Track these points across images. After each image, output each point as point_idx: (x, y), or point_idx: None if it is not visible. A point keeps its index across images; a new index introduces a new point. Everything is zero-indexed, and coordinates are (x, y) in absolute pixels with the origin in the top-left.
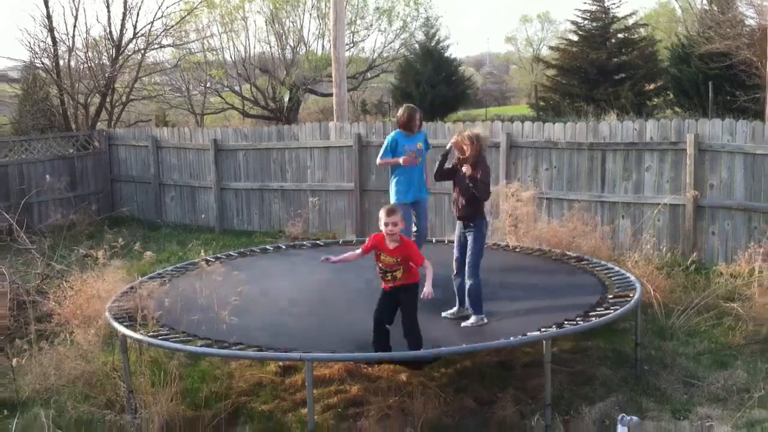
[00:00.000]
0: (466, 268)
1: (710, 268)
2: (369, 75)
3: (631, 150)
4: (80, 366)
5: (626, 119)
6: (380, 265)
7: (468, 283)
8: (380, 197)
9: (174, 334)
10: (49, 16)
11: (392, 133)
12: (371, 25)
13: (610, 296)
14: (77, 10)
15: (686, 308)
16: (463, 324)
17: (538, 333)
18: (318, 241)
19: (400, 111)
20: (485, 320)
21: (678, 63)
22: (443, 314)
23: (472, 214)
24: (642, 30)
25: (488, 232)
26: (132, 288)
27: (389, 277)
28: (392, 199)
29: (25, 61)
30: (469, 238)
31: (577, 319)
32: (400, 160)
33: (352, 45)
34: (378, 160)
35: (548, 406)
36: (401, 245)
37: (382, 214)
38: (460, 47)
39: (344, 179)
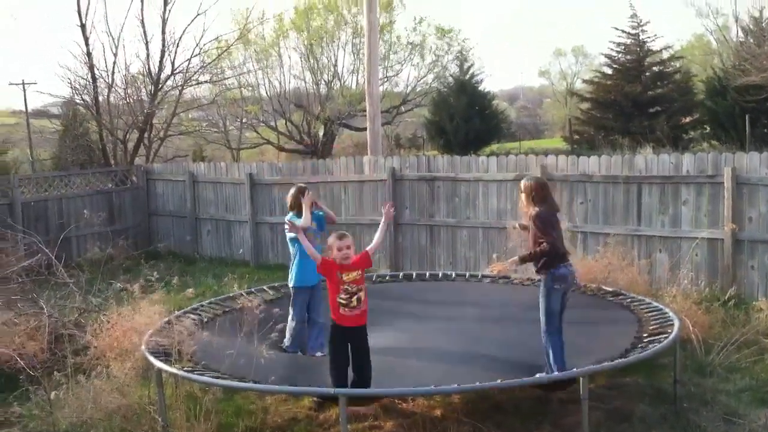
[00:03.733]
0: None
1: (750, 303)
2: (403, 109)
3: (667, 183)
4: (116, 399)
5: (662, 152)
6: (345, 287)
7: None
8: (414, 231)
9: (209, 369)
10: (89, 53)
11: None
12: (404, 60)
13: (648, 332)
14: (117, 47)
15: (726, 344)
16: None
17: (574, 369)
18: None
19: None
20: None
21: (714, 96)
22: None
23: (538, 266)
24: (677, 63)
25: (560, 285)
26: (168, 322)
27: (354, 302)
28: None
29: (65, 98)
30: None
31: (616, 355)
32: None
33: (385, 80)
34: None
35: None
36: (356, 258)
37: (332, 240)
38: (494, 81)
39: (378, 213)
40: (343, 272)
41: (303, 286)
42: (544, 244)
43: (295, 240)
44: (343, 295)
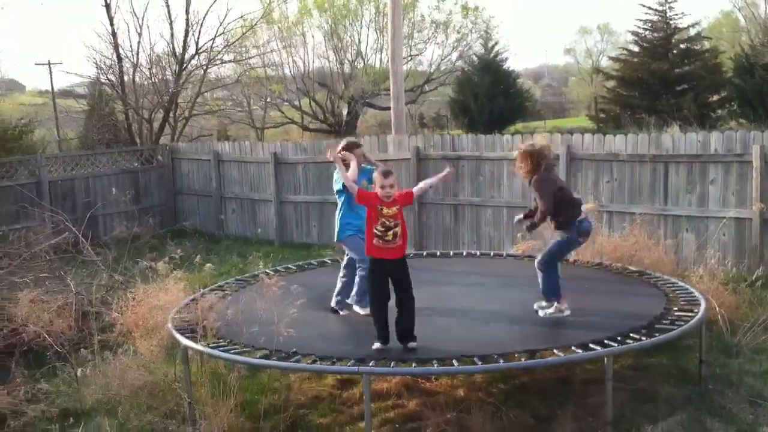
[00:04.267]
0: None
1: None
2: (426, 88)
3: (694, 162)
4: (142, 376)
5: (689, 131)
6: (382, 220)
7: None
8: (438, 210)
9: (234, 346)
10: (114, 33)
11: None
12: (428, 39)
13: (674, 311)
14: (141, 27)
15: (753, 325)
16: (540, 313)
17: (598, 349)
18: None
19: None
20: (563, 311)
21: (742, 73)
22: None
23: (560, 222)
24: (705, 42)
25: (583, 239)
26: (193, 300)
27: (390, 236)
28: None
29: (91, 78)
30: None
31: (640, 334)
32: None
33: (409, 58)
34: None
35: (609, 424)
36: (398, 194)
37: (377, 176)
38: (518, 59)
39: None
40: (382, 205)
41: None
42: (542, 208)
43: (341, 192)
44: (379, 227)
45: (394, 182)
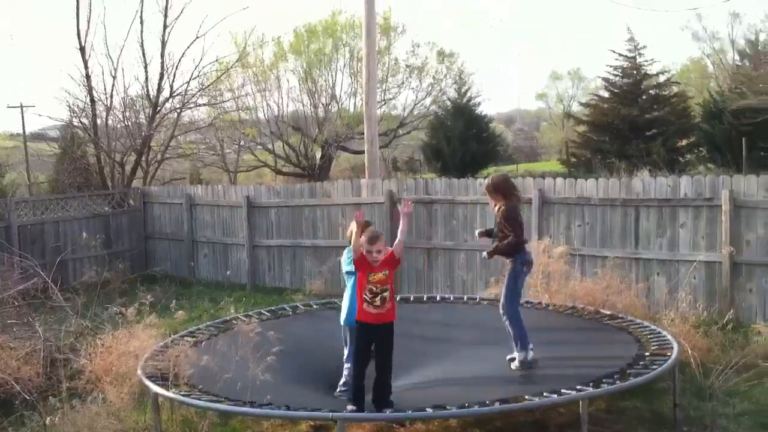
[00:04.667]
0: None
1: (748, 327)
2: (400, 132)
3: (665, 206)
4: (112, 425)
5: (659, 175)
6: (370, 287)
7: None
8: (411, 254)
9: (206, 394)
10: (88, 76)
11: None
12: (402, 83)
13: (647, 355)
14: (116, 70)
15: (725, 368)
16: (513, 366)
17: (573, 393)
18: None
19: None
20: (528, 356)
21: (710, 119)
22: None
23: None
24: (674, 87)
25: (527, 269)
26: (164, 346)
27: (378, 302)
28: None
29: (63, 121)
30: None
31: (614, 378)
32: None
33: (383, 102)
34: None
35: None
36: (383, 259)
37: (364, 239)
38: (491, 104)
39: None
40: (370, 272)
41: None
42: (512, 237)
43: (351, 273)
44: (368, 294)
45: (382, 248)
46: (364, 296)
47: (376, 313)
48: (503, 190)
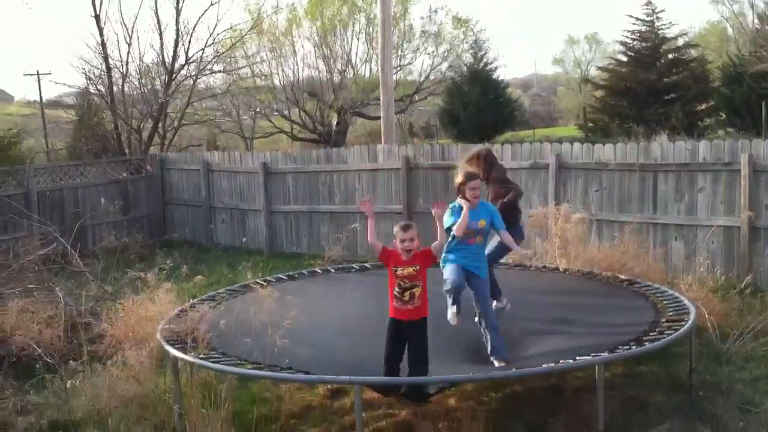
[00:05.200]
0: None
1: (766, 291)
2: (416, 98)
3: (683, 171)
4: (132, 388)
5: (678, 140)
6: (399, 282)
7: None
8: (428, 219)
9: (225, 357)
10: (103, 44)
11: (455, 203)
12: (418, 49)
13: (664, 320)
14: (131, 38)
15: (742, 333)
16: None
17: (590, 357)
18: (366, 264)
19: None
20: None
21: (729, 83)
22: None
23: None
24: (692, 51)
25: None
26: (183, 310)
27: (407, 297)
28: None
29: (80, 88)
30: None
31: (631, 343)
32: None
33: (399, 68)
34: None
35: None
36: (417, 253)
37: (397, 230)
38: (508, 69)
39: (392, 201)
40: (397, 266)
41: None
42: (513, 191)
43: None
44: (396, 289)
45: (415, 236)
46: (395, 292)
47: (404, 309)
48: (491, 159)
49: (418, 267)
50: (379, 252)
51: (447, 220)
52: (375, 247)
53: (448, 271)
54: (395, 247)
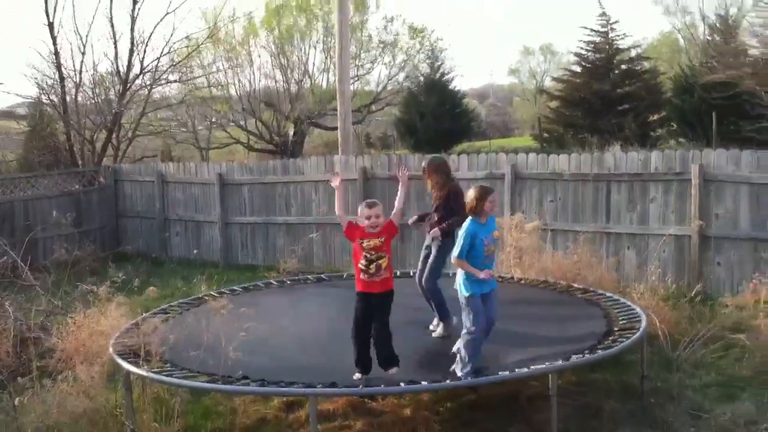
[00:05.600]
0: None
1: (716, 299)
2: (373, 108)
3: (636, 181)
4: (83, 403)
5: (630, 150)
6: (365, 254)
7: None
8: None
9: (177, 370)
10: (56, 53)
11: (468, 224)
12: (375, 59)
13: (616, 328)
14: (85, 47)
15: (692, 340)
16: (435, 334)
17: (544, 366)
18: (322, 275)
19: (471, 192)
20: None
21: (681, 93)
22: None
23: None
24: (645, 62)
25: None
26: (136, 324)
27: (373, 269)
28: (462, 291)
29: (32, 98)
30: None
31: (584, 351)
32: (481, 274)
33: (356, 78)
34: (454, 258)
35: None
36: (383, 226)
37: (362, 208)
38: (464, 79)
39: (349, 213)
40: (363, 239)
41: (478, 294)
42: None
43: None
44: (363, 261)
45: (380, 212)
46: (360, 265)
47: (370, 282)
48: (446, 170)
49: (383, 238)
50: (345, 225)
51: (462, 245)
52: (342, 219)
53: (478, 314)
54: (353, 222)
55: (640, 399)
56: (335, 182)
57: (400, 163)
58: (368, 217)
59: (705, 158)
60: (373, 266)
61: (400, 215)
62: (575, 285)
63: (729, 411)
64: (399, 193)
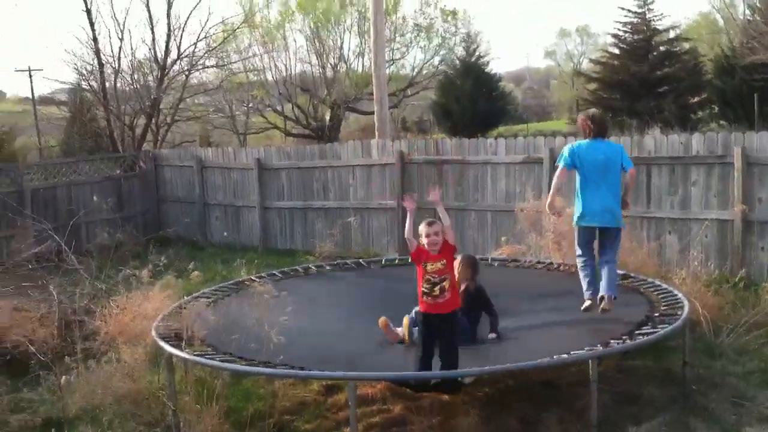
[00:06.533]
0: None
1: (760, 285)
2: (409, 92)
3: (676, 164)
4: (126, 384)
5: (670, 133)
6: (428, 278)
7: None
8: (422, 214)
9: (219, 354)
10: (95, 39)
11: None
12: (411, 42)
13: (658, 314)
14: (122, 32)
15: (735, 326)
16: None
17: (584, 352)
18: (360, 260)
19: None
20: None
21: (722, 75)
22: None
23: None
24: (685, 43)
25: None
26: (178, 307)
27: (437, 292)
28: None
29: (72, 84)
30: None
31: (624, 337)
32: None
33: (392, 62)
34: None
35: (594, 426)
36: (441, 247)
37: (422, 227)
38: (500, 63)
39: (386, 197)
40: (428, 262)
41: (585, 226)
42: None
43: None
44: (426, 285)
45: (440, 230)
46: (423, 288)
47: (434, 304)
48: (476, 266)
49: (445, 261)
50: (413, 248)
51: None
52: (411, 243)
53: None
54: (421, 243)
55: (682, 386)
56: (409, 205)
57: (428, 189)
58: (427, 236)
59: (747, 141)
60: (437, 289)
61: (451, 234)
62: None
63: None
64: (439, 212)
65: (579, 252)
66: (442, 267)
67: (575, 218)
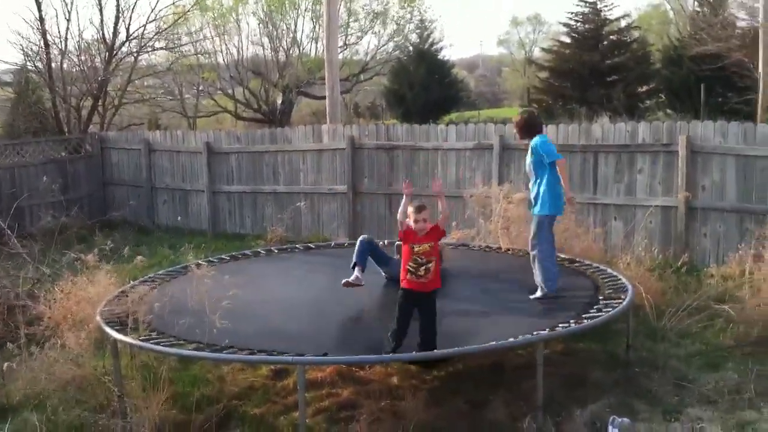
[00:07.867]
0: None
1: (702, 270)
2: (362, 77)
3: (623, 152)
4: (71, 370)
5: (618, 121)
6: (414, 258)
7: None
8: (373, 200)
9: (165, 338)
10: (41, 19)
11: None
12: (365, 28)
13: (602, 298)
14: (70, 13)
15: (678, 310)
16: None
17: (530, 335)
18: (310, 244)
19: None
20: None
21: (670, 65)
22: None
23: None
24: (635, 32)
25: None
26: (123, 292)
27: (422, 272)
28: (539, 210)
29: (17, 65)
30: None
31: (570, 321)
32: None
33: (345, 47)
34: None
35: (540, 408)
36: (430, 230)
37: (411, 210)
38: (454, 50)
39: (337, 182)
40: (415, 243)
41: (555, 215)
42: None
43: (539, 164)
44: (412, 264)
45: (428, 216)
46: (409, 267)
47: (417, 282)
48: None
49: (432, 244)
50: (402, 228)
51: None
52: (401, 224)
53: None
54: (409, 226)
55: (626, 368)
56: (407, 191)
57: (434, 180)
58: (416, 221)
59: (692, 130)
60: (422, 269)
61: (445, 221)
62: (562, 255)
63: (713, 380)
64: (440, 203)
65: (550, 240)
66: (429, 249)
67: (548, 207)
